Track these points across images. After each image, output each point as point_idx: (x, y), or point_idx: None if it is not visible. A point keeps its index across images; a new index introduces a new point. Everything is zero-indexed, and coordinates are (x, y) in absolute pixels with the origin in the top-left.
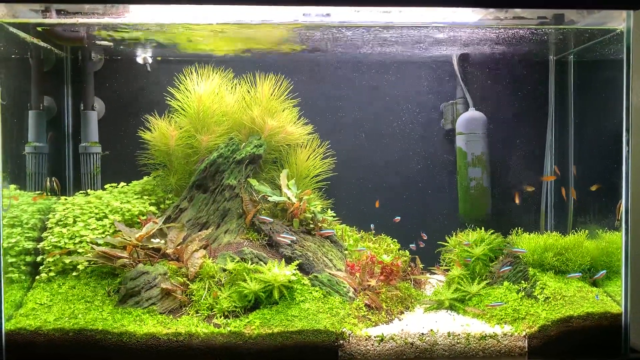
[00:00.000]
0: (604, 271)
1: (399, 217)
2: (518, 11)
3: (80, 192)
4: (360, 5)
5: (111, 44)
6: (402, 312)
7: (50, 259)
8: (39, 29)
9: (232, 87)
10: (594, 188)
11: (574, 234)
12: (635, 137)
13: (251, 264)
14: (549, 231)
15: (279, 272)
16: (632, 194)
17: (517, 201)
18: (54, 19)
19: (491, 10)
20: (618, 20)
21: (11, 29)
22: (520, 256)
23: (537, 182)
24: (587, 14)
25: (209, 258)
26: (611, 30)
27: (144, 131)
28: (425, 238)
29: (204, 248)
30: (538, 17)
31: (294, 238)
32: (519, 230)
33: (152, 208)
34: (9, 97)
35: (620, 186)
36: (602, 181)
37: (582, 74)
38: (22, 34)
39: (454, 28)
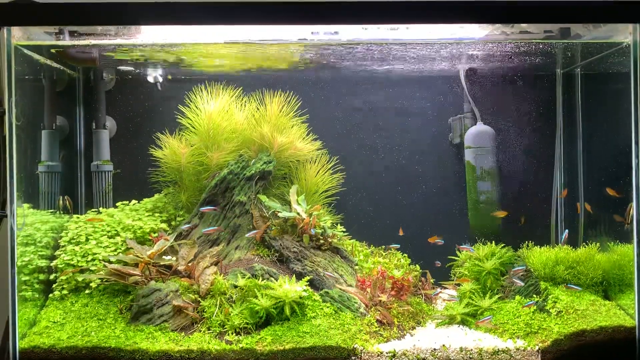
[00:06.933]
0: None
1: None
2: (524, 26)
3: (93, 210)
4: (368, 22)
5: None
6: (413, 328)
7: (63, 277)
8: (53, 50)
9: (241, 105)
10: (611, 192)
11: (584, 247)
12: None
13: (262, 280)
14: (559, 244)
15: (290, 288)
16: None
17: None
18: (67, 41)
19: (497, 25)
20: (624, 34)
21: (26, 51)
22: (532, 269)
23: (548, 194)
24: (593, 28)
25: (220, 274)
26: (618, 43)
27: (155, 149)
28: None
29: (215, 264)
30: (544, 32)
31: (337, 276)
32: (530, 243)
33: (164, 225)
34: (23, 117)
35: (631, 198)
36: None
37: (589, 87)
38: (36, 56)
39: (461, 43)
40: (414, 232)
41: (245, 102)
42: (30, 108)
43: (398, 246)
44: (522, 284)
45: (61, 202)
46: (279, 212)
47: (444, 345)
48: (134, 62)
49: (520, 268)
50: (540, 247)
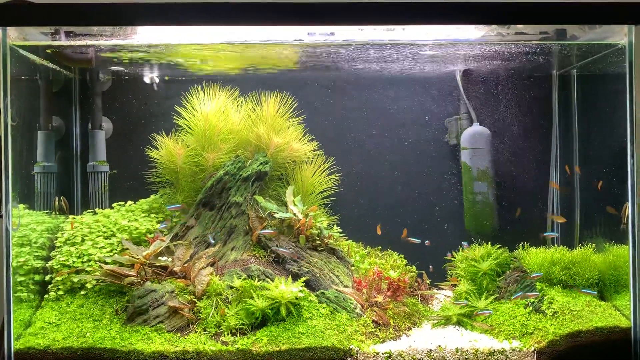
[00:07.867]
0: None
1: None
2: (520, 27)
3: (89, 210)
4: (364, 23)
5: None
6: (409, 328)
7: (59, 278)
8: (48, 51)
9: (238, 105)
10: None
11: (581, 247)
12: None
13: (258, 281)
14: (555, 245)
15: (286, 289)
16: (639, 206)
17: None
18: (63, 41)
19: (493, 26)
20: (620, 35)
21: (21, 51)
22: (527, 271)
23: (544, 195)
24: (589, 29)
25: (216, 275)
26: (613, 44)
27: (151, 150)
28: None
29: (211, 265)
30: (540, 33)
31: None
32: (526, 244)
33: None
34: (19, 117)
35: (626, 199)
36: (607, 194)
37: (585, 88)
38: (31, 56)
39: (457, 45)
40: (410, 233)
41: (242, 102)
42: (26, 108)
43: (409, 236)
44: (537, 294)
45: (57, 202)
46: (275, 213)
47: (439, 346)
48: (130, 63)
49: (536, 275)
50: (536, 248)
